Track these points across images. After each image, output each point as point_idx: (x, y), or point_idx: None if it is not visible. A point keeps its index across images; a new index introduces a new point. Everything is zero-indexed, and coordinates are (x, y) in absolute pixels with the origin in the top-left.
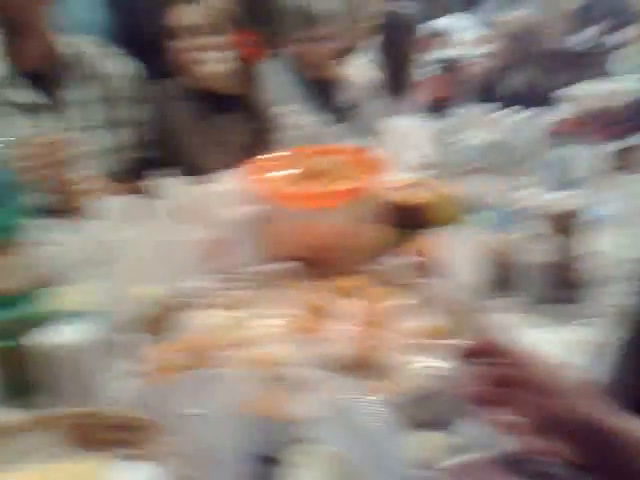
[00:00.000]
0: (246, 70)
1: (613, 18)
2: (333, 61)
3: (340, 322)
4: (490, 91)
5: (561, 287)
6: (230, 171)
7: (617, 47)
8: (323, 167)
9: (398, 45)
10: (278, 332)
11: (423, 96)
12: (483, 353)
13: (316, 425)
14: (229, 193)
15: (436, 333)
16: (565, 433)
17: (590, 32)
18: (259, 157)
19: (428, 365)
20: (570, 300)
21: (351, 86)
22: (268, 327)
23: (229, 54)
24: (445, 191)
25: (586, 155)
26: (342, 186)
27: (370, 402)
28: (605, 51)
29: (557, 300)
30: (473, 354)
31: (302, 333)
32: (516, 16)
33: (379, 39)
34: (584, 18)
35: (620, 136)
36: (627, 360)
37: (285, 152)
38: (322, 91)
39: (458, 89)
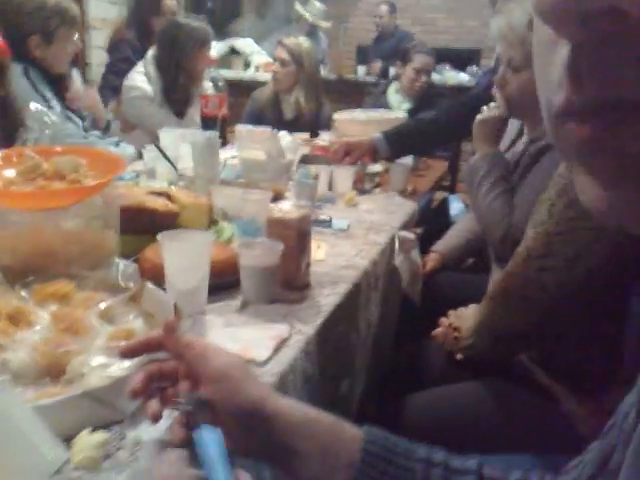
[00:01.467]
0: None
1: (398, 55)
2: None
3: (33, 329)
4: (273, 112)
5: (284, 289)
6: None
7: (392, 81)
8: (55, 168)
9: (175, 57)
10: None
11: (198, 111)
12: (144, 349)
13: None
14: None
15: (132, 337)
16: (230, 417)
17: (375, 66)
18: None
19: (118, 367)
20: (290, 301)
21: (127, 94)
22: None
23: None
24: (193, 201)
25: (335, 177)
26: (73, 187)
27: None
28: (384, 84)
29: (276, 300)
30: (131, 351)
31: None
32: (296, 42)
33: (157, 50)
34: (371, 52)
35: (366, 162)
36: None
37: (16, 150)
38: (64, 89)
39: (233, 108)
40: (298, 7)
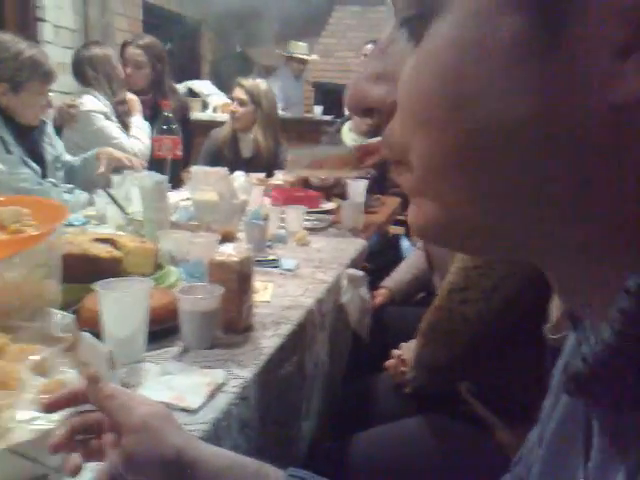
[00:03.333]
0: None
1: None
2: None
3: None
4: (231, 151)
5: (225, 333)
6: None
7: (346, 120)
8: None
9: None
10: None
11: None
12: (70, 402)
13: None
14: None
15: (61, 388)
16: (153, 468)
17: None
18: None
19: (45, 420)
20: (230, 345)
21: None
22: None
23: None
24: (137, 246)
25: (286, 216)
26: (13, 237)
27: None
28: (339, 123)
29: (217, 345)
30: (56, 404)
31: None
32: (253, 83)
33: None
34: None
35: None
36: None
37: None
38: (32, 143)
39: (191, 149)
40: (281, 52)
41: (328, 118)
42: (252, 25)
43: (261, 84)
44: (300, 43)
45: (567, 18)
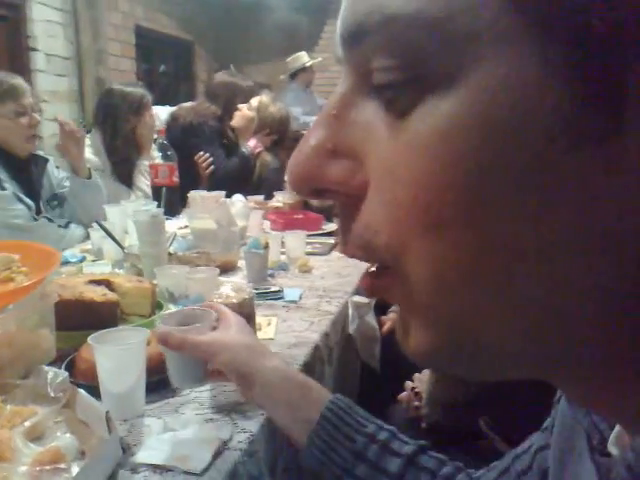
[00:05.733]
0: None
1: None
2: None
3: None
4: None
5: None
6: None
7: None
8: None
9: (110, 124)
10: None
11: (147, 180)
12: None
13: None
14: None
15: (58, 458)
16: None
17: None
18: None
19: None
20: (232, 393)
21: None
22: None
23: None
24: (134, 286)
25: (287, 243)
26: (2, 288)
27: None
28: None
29: (219, 393)
30: None
31: None
32: (274, 107)
33: (96, 120)
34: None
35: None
36: None
37: None
38: (28, 178)
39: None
40: (285, 76)
41: None
42: (245, 43)
43: (269, 103)
44: (299, 54)
45: (628, 92)
